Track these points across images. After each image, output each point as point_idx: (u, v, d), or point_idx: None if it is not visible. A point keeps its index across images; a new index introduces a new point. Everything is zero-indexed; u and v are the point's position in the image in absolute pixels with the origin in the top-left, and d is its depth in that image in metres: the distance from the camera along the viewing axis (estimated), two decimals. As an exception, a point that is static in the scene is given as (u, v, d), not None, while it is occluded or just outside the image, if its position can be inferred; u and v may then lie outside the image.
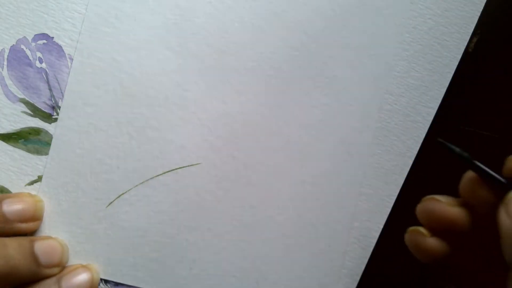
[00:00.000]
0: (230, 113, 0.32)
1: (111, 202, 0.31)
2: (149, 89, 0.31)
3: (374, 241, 0.33)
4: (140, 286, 0.31)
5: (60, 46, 0.31)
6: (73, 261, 0.31)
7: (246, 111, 0.32)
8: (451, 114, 0.33)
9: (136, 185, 0.31)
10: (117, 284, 0.31)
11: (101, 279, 0.31)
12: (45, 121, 0.31)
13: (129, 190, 0.31)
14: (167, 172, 0.32)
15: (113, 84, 0.31)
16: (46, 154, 0.31)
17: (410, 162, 0.33)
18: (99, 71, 0.31)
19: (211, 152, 0.32)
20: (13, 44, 0.30)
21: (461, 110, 0.33)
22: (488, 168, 0.23)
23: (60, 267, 0.30)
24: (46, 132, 0.31)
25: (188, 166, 0.32)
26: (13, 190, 0.31)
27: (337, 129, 0.33)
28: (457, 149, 0.26)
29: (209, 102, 0.32)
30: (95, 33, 0.31)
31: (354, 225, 0.33)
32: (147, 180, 0.32)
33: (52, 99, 0.31)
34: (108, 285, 0.31)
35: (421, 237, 0.27)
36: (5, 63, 0.30)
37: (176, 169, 0.32)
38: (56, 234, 0.31)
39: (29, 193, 0.30)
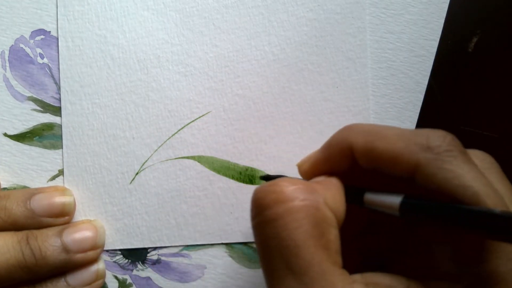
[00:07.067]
0: (224, 54, 0.32)
1: (137, 172, 0.31)
2: (139, 53, 0.31)
3: None
4: (189, 243, 0.31)
5: (58, 39, 0.31)
6: (115, 237, 0.31)
7: (239, 47, 0.32)
8: (451, 114, 0.33)
9: (156, 150, 0.31)
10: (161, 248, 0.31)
11: (151, 247, 0.31)
12: (56, 115, 0.31)
13: (150, 156, 0.31)
14: (181, 128, 0.32)
15: (103, 59, 0.31)
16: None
17: (422, 97, 0.32)
18: (87, 50, 0.31)
19: (217, 98, 0.32)
20: (12, 45, 0.31)
21: (461, 110, 0.33)
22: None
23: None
24: (59, 126, 0.31)
25: (200, 117, 0.32)
26: (36, 187, 0.31)
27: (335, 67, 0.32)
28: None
29: (201, 49, 0.32)
30: (71, 15, 0.31)
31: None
32: (164, 142, 0.31)
33: (60, 92, 0.31)
34: (158, 250, 0.31)
35: None
36: (7, 64, 0.31)
37: (189, 123, 0.32)
38: (92, 218, 0.31)
39: (60, 188, 0.31)
